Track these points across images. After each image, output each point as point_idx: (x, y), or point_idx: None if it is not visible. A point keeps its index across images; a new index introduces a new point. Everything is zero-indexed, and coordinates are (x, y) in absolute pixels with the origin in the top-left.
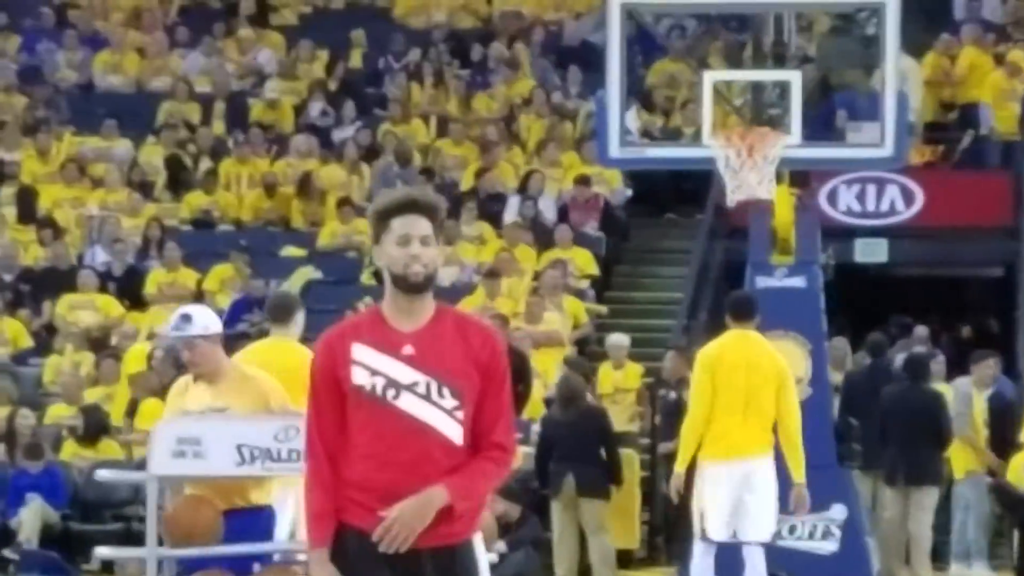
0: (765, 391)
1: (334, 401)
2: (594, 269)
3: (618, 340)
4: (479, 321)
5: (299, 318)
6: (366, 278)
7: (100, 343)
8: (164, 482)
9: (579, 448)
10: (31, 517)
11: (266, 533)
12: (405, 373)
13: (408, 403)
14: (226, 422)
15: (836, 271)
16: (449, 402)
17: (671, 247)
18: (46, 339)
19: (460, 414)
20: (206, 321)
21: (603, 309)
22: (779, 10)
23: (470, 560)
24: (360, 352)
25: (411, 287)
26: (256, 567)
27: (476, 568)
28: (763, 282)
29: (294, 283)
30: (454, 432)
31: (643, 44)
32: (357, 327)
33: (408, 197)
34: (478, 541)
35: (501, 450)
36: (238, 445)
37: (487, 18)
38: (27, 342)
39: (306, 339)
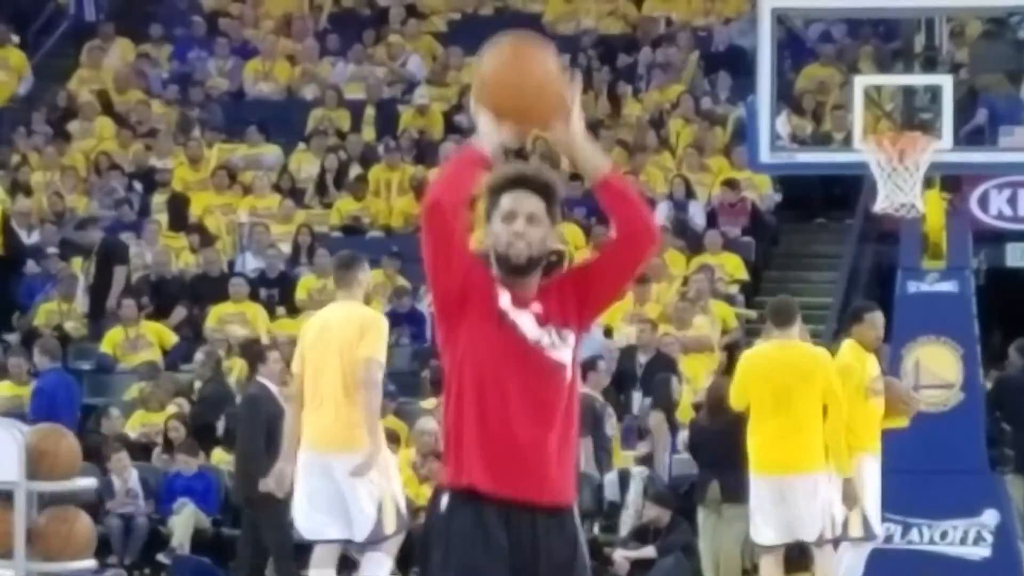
0: (808, 397)
1: (463, 240)
2: (743, 274)
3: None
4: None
5: (363, 278)
6: None
7: (250, 350)
8: None
9: (725, 455)
10: (183, 523)
11: None
12: (533, 328)
13: (536, 339)
14: None
15: (987, 276)
16: (571, 340)
17: (821, 252)
18: (197, 346)
19: (571, 353)
20: None
21: (752, 314)
22: (930, 15)
23: (575, 531)
24: (503, 296)
25: (513, 268)
26: None
27: (581, 542)
28: (914, 287)
29: None
30: (569, 367)
31: (793, 49)
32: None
33: (518, 172)
34: (575, 515)
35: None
36: None
37: (636, 23)
38: (171, 340)
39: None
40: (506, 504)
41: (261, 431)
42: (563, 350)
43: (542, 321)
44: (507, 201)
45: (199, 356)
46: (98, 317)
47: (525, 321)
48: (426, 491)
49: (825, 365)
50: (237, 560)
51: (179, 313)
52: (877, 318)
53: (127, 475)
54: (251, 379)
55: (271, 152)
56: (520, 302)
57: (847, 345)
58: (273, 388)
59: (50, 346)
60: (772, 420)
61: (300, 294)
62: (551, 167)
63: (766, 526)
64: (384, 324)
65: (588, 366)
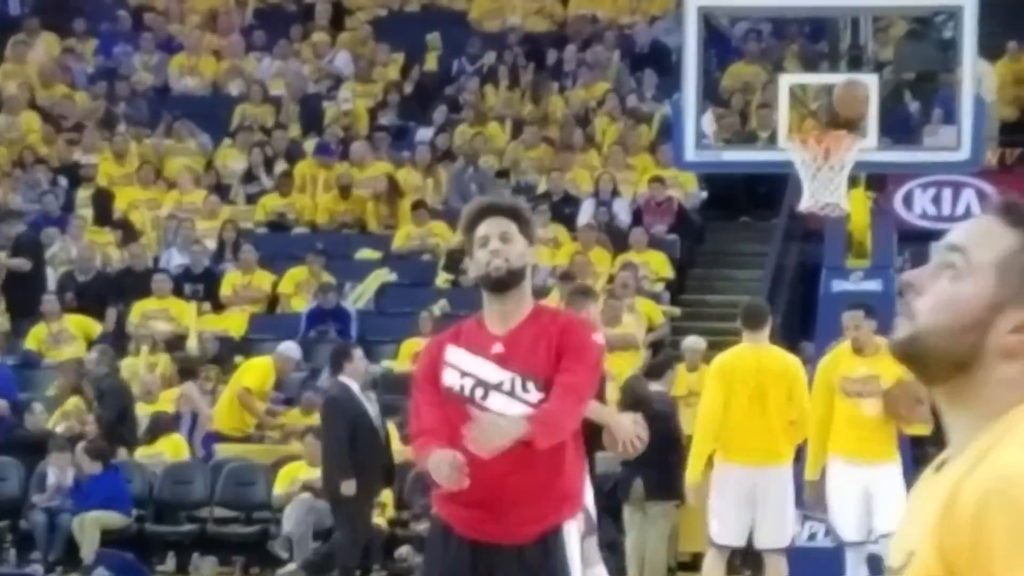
0: (777, 396)
1: (432, 400)
2: (668, 272)
3: (694, 343)
4: (563, 313)
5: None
6: (441, 281)
7: (176, 345)
8: None
9: (648, 452)
10: (89, 529)
11: None
12: (493, 372)
13: (496, 402)
14: None
15: None
16: (533, 395)
17: (746, 250)
18: (121, 341)
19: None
20: None
21: (677, 311)
22: (855, 14)
23: (559, 552)
24: (453, 354)
25: (494, 283)
26: None
27: (565, 562)
28: (838, 286)
29: (369, 285)
30: None
31: (718, 47)
32: (457, 332)
33: (486, 203)
34: (569, 535)
35: (570, 394)
36: None
37: (562, 21)
38: (95, 333)
39: (375, 341)
40: (472, 541)
41: (343, 432)
42: (522, 395)
43: (503, 363)
44: (481, 229)
45: (93, 354)
46: (23, 313)
47: (482, 369)
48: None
49: (795, 368)
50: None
51: (106, 309)
52: (847, 317)
53: (65, 473)
54: (334, 379)
55: (197, 148)
56: (481, 344)
57: (837, 345)
58: (355, 388)
59: None
60: (746, 422)
61: (225, 290)
62: (476, 167)
63: (726, 525)
64: None
65: None
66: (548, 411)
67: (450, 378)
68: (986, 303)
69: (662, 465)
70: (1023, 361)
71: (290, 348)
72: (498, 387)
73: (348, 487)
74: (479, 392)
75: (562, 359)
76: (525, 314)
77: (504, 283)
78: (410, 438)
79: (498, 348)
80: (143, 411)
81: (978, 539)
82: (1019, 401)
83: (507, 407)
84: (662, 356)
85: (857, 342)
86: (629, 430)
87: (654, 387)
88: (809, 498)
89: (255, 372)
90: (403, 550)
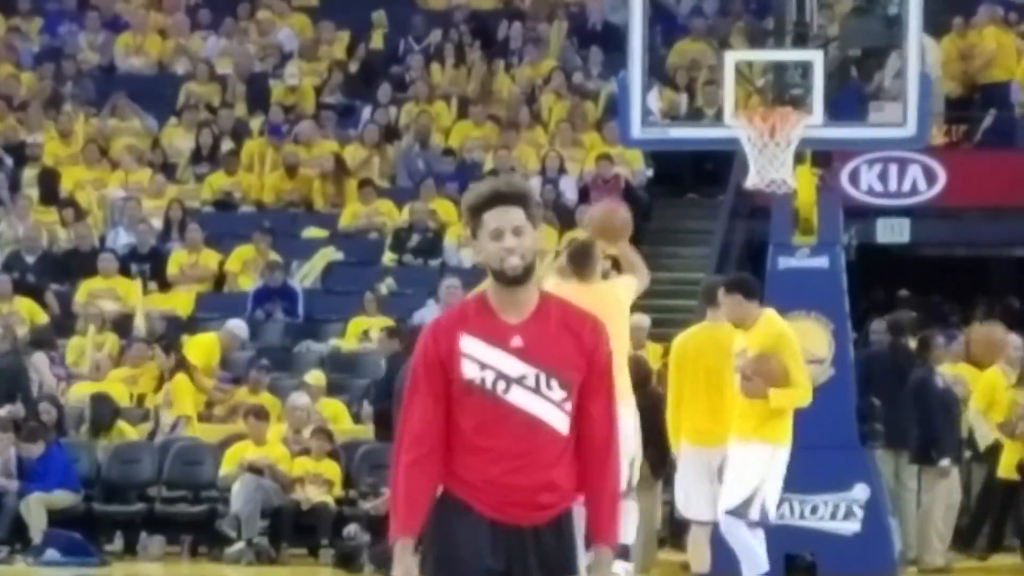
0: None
1: (437, 391)
2: (616, 249)
3: (639, 321)
4: (582, 310)
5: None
6: (387, 260)
7: (123, 325)
8: None
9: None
10: (34, 511)
11: None
12: (514, 366)
13: (518, 396)
14: None
15: (858, 251)
16: (558, 394)
17: (692, 227)
18: (68, 320)
19: (568, 405)
20: None
21: None
22: None
23: (570, 533)
24: (468, 344)
25: (511, 280)
26: None
27: (574, 542)
28: (785, 262)
29: (315, 264)
30: (562, 423)
31: (664, 24)
32: (464, 317)
33: (494, 190)
34: (578, 514)
35: (607, 454)
36: None
37: None
38: (42, 319)
39: (322, 320)
40: (491, 520)
41: None
42: (547, 392)
43: (524, 357)
44: (491, 219)
45: None
46: None
47: (502, 362)
48: (301, 465)
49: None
50: None
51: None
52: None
53: (7, 454)
54: (403, 358)
55: (142, 127)
56: (498, 336)
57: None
58: None
59: None
60: (704, 400)
61: (172, 269)
62: (422, 145)
63: (691, 500)
64: None
65: None
66: (611, 519)
67: (471, 371)
68: None
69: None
70: None
71: (237, 326)
72: (520, 381)
73: None
74: (501, 386)
75: (591, 380)
76: (535, 303)
77: (520, 279)
78: (397, 441)
79: (517, 341)
80: (89, 389)
81: None
82: None
83: (531, 403)
84: None
85: (724, 317)
86: None
87: None
88: None
89: (200, 348)
90: (351, 528)
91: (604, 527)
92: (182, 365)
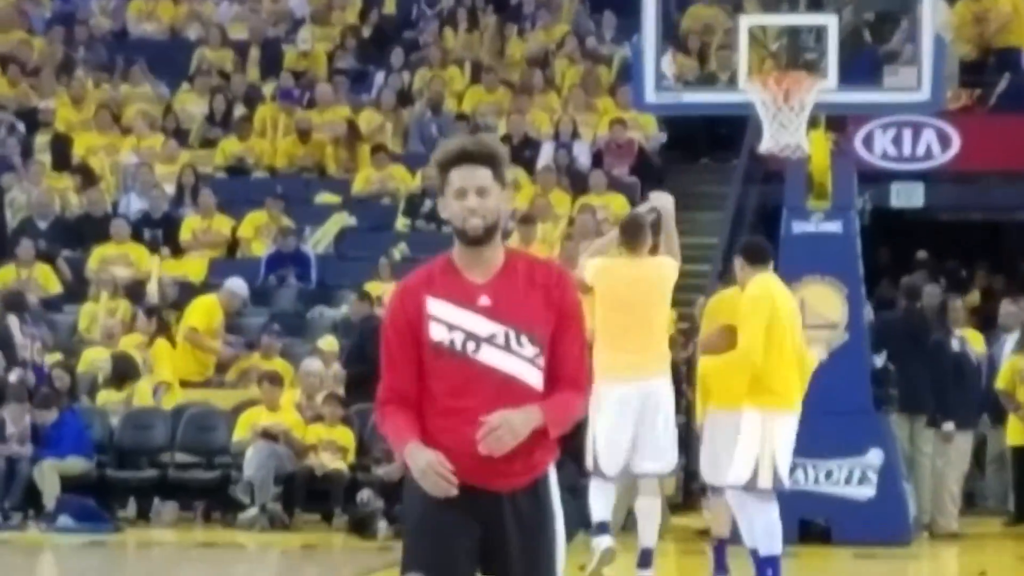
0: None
1: (409, 354)
2: None
3: None
4: (548, 262)
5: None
6: (400, 225)
7: (135, 291)
8: None
9: None
10: (48, 478)
11: None
12: (483, 325)
13: (489, 356)
14: None
15: (872, 215)
16: (529, 350)
17: (706, 192)
18: (81, 286)
19: (540, 360)
20: None
21: None
22: None
23: (547, 497)
24: (435, 306)
25: (471, 240)
26: None
27: (552, 506)
28: (799, 227)
29: (328, 230)
30: (535, 379)
31: None
32: (430, 278)
33: (461, 148)
34: (553, 478)
35: (577, 387)
36: None
37: None
38: (56, 287)
39: (335, 286)
40: (466, 486)
41: None
42: (517, 349)
43: (492, 316)
44: (456, 178)
45: None
46: None
47: (470, 322)
48: (314, 431)
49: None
50: None
51: (64, 255)
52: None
53: (22, 421)
54: (375, 321)
55: (155, 92)
56: (465, 296)
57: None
58: None
59: None
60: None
61: (184, 235)
62: (435, 110)
63: (721, 468)
64: None
65: None
66: (560, 403)
67: (438, 333)
68: None
69: None
70: None
71: (236, 284)
72: (490, 340)
73: None
74: (471, 346)
75: (561, 325)
76: (501, 261)
77: (481, 239)
78: (376, 403)
79: (485, 300)
80: (101, 355)
81: None
82: None
83: (502, 362)
84: None
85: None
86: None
87: None
88: None
89: (200, 311)
90: (364, 494)
91: (550, 410)
92: (163, 330)
